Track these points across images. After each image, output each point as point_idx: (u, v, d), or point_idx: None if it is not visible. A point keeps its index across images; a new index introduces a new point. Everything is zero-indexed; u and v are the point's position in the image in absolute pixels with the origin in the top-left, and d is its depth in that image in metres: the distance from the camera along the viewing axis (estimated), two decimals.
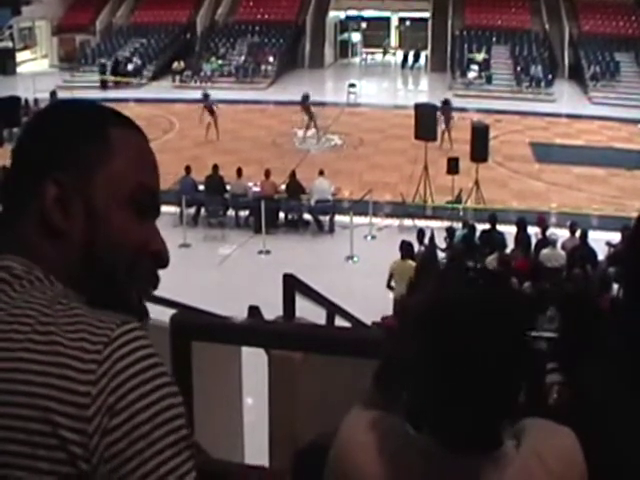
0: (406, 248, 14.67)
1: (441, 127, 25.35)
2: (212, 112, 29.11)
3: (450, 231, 16.55)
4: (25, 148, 1.35)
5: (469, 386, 1.50)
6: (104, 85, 39.25)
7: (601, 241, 16.40)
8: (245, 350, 3.57)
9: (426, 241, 15.72)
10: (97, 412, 1.13)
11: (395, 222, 20.08)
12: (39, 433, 1.12)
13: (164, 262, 1.39)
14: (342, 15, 47.61)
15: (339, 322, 6.30)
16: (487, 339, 1.50)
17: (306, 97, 29.61)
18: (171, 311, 3.70)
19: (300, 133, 29.81)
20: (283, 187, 20.55)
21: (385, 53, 49.86)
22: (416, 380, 1.60)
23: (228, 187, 20.42)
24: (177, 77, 40.43)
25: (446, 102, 27.64)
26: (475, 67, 39.25)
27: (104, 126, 1.35)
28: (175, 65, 40.55)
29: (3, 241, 1.30)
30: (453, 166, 21.49)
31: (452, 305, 1.54)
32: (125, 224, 1.32)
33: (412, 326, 1.60)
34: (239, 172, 20.54)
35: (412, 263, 14.22)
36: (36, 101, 32.12)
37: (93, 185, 1.30)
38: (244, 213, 20.32)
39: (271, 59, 41.56)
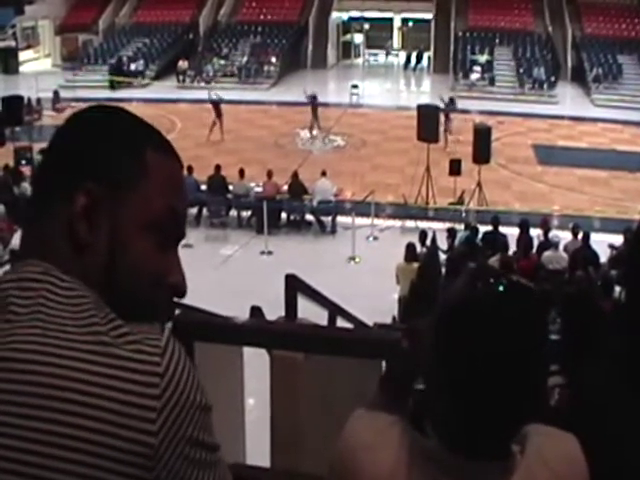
0: (411, 251, 14.68)
1: (442, 128, 25.32)
2: (220, 113, 29.13)
3: (452, 233, 16.54)
4: (61, 149, 1.33)
5: (485, 390, 1.48)
6: (113, 85, 39.23)
7: (603, 243, 16.39)
8: (247, 350, 3.57)
9: (428, 242, 15.71)
10: (163, 425, 1.17)
11: (397, 223, 20.08)
12: (104, 445, 1.14)
13: (181, 293, 1.39)
14: (345, 16, 47.59)
15: (341, 323, 6.31)
16: (506, 341, 1.48)
17: (314, 97, 29.65)
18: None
19: (302, 134, 29.83)
20: (285, 187, 20.57)
21: (388, 54, 49.84)
22: (431, 384, 1.59)
23: (230, 187, 20.43)
24: (181, 77, 40.42)
25: (452, 101, 27.66)
26: (478, 68, 39.22)
27: (143, 146, 1.34)
28: (180, 64, 40.54)
29: (30, 244, 1.31)
30: (455, 167, 21.50)
31: (474, 305, 1.53)
32: (147, 250, 1.31)
33: (435, 327, 1.58)
34: (241, 172, 20.55)
35: (416, 265, 14.24)
36: (39, 100, 32.20)
37: (122, 203, 1.29)
38: (246, 213, 20.34)
39: (274, 60, 41.55)
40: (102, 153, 1.30)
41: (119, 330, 1.21)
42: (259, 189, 20.44)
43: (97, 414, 1.14)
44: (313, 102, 29.50)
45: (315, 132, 29.53)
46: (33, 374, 1.15)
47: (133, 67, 40.85)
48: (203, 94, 31.89)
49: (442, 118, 25.12)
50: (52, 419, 1.13)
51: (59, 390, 1.14)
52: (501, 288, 1.54)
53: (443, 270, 14.27)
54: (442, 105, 26.75)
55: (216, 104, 29.23)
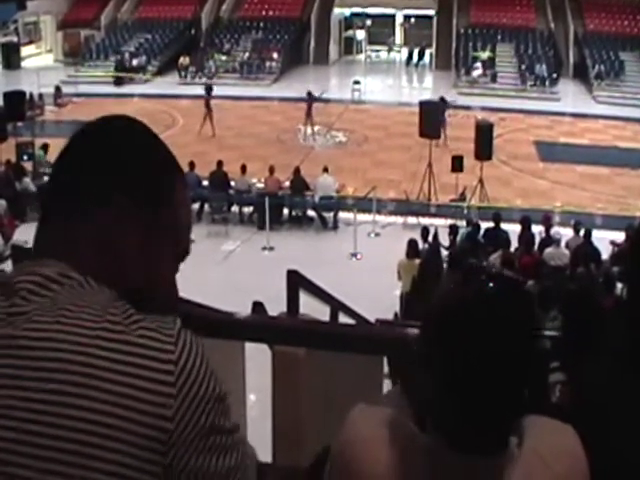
0: (413, 247, 14.69)
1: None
2: (208, 107, 29.12)
3: (454, 229, 16.54)
4: (99, 155, 1.39)
5: (481, 387, 1.50)
6: (119, 82, 39.23)
7: (605, 240, 16.39)
8: (248, 346, 3.57)
9: (430, 239, 15.71)
10: (178, 411, 1.22)
11: (399, 219, 20.07)
12: (121, 430, 1.18)
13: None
14: (347, 12, 47.51)
15: (342, 318, 6.31)
16: (499, 339, 1.49)
17: (309, 94, 29.69)
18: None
19: (304, 129, 29.82)
20: (287, 183, 20.57)
21: (390, 50, 49.80)
22: (427, 380, 1.59)
23: (232, 183, 20.42)
24: (183, 73, 40.40)
25: (442, 100, 27.63)
26: (480, 65, 39.18)
27: (175, 169, 1.45)
28: (181, 60, 40.52)
29: (48, 242, 1.36)
30: (457, 164, 21.49)
31: (466, 304, 1.54)
32: (167, 268, 1.42)
33: (427, 326, 1.59)
34: (243, 168, 20.55)
35: (418, 262, 14.25)
36: (40, 96, 32.18)
37: (153, 219, 1.38)
38: (248, 209, 20.34)
39: (276, 55, 41.52)
40: (141, 169, 1.39)
41: (133, 318, 1.26)
42: (261, 185, 20.45)
43: (113, 399, 1.18)
44: (310, 100, 29.49)
45: (309, 129, 29.54)
46: (50, 361, 1.19)
47: (135, 63, 40.82)
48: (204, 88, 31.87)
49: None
50: (68, 403, 1.17)
51: (75, 375, 1.18)
52: (490, 285, 1.57)
53: (445, 267, 14.27)
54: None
55: (206, 99, 29.23)
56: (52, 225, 1.37)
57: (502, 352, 1.49)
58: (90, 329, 1.21)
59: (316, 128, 29.70)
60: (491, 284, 1.57)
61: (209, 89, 29.93)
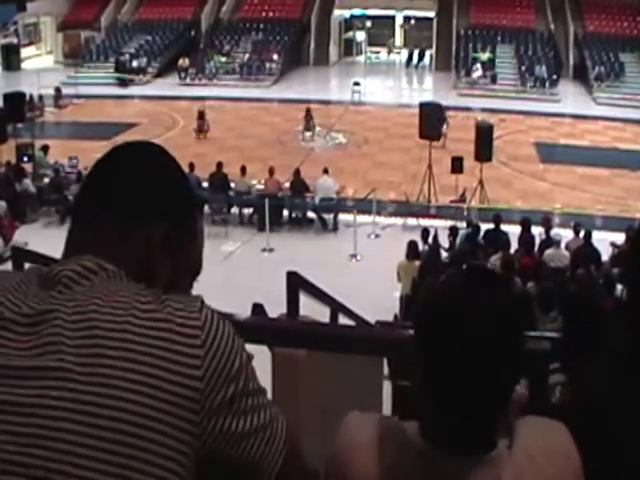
0: (413, 248, 14.68)
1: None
2: (202, 116, 29.15)
3: (454, 230, 16.54)
4: (149, 184, 1.54)
5: (463, 384, 1.50)
6: (123, 83, 39.25)
7: (605, 241, 16.38)
8: (248, 347, 3.56)
9: (430, 240, 15.71)
10: (207, 371, 1.36)
11: (399, 221, 20.07)
12: (156, 387, 1.31)
13: None
14: (347, 13, 47.53)
15: (342, 320, 6.30)
16: (482, 335, 1.49)
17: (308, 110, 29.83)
18: None
19: (304, 132, 29.85)
20: (287, 185, 20.57)
21: (390, 52, 49.83)
22: (418, 383, 1.60)
23: (232, 184, 20.43)
24: (183, 74, 40.42)
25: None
26: (480, 66, 39.20)
27: (197, 205, 1.68)
28: (180, 62, 40.54)
29: (84, 245, 1.49)
30: (457, 165, 21.49)
31: (445, 299, 1.55)
32: (186, 284, 1.61)
33: (413, 322, 1.61)
34: (243, 170, 20.56)
35: (418, 263, 14.25)
36: (40, 97, 32.18)
37: (181, 249, 1.56)
38: (248, 211, 20.34)
39: (275, 57, 41.54)
40: (178, 197, 1.58)
41: (162, 298, 1.40)
42: (261, 186, 20.45)
43: (148, 360, 1.32)
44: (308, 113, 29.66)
45: (309, 133, 29.59)
46: (89, 330, 1.34)
47: (135, 64, 40.83)
48: (205, 91, 31.90)
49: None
50: (113, 365, 1.31)
51: (117, 341, 1.32)
52: (461, 274, 1.60)
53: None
54: None
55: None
56: (88, 233, 1.50)
57: (480, 348, 1.49)
58: (124, 308, 1.36)
59: (317, 129, 29.69)
60: (475, 278, 1.59)
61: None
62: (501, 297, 1.57)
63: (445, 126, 26.22)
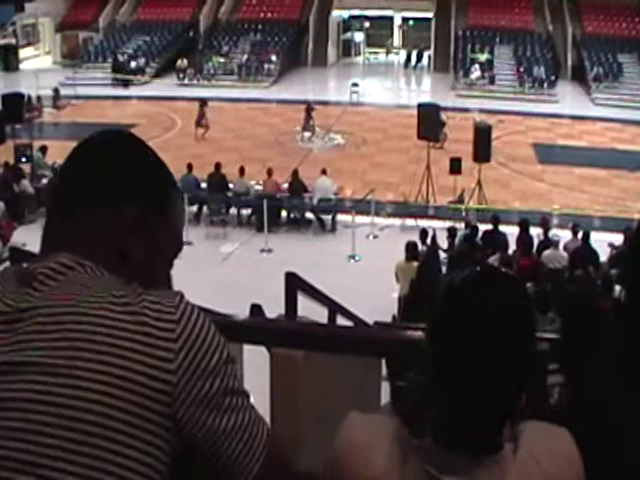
0: (411, 249, 14.68)
1: None
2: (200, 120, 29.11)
3: (452, 231, 16.53)
4: (117, 166, 1.54)
5: (472, 385, 1.50)
6: (125, 83, 39.25)
7: (603, 242, 16.37)
8: (246, 348, 3.57)
9: (428, 241, 15.70)
10: (180, 365, 1.36)
11: (397, 222, 20.06)
12: (130, 380, 1.33)
13: None
14: (345, 14, 47.55)
15: (341, 321, 6.31)
16: (496, 332, 1.49)
17: (308, 104, 29.74)
18: None
19: (303, 132, 29.83)
20: (285, 186, 20.57)
21: (388, 52, 49.83)
22: (422, 381, 1.60)
23: (230, 185, 20.42)
24: (181, 75, 40.41)
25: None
26: (478, 67, 39.21)
27: (173, 186, 1.64)
28: (179, 63, 40.54)
29: (58, 239, 1.50)
30: (455, 166, 21.50)
31: (462, 294, 1.55)
32: (164, 275, 1.60)
33: (428, 320, 1.61)
34: (241, 170, 20.55)
35: (416, 264, 14.24)
36: (39, 98, 32.15)
37: (156, 232, 1.54)
38: (246, 211, 20.33)
39: (274, 58, 41.52)
40: (150, 179, 1.57)
41: (139, 293, 1.41)
42: (259, 187, 20.44)
43: (122, 353, 1.33)
44: (308, 109, 29.58)
45: (307, 133, 29.57)
46: (68, 323, 1.36)
47: (133, 65, 40.82)
48: (203, 92, 31.88)
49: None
50: (88, 358, 1.33)
51: (91, 334, 1.34)
52: (476, 274, 1.59)
53: (443, 269, 14.27)
54: None
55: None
56: (65, 224, 1.51)
57: (497, 344, 1.50)
58: (99, 302, 1.37)
59: (317, 130, 29.67)
60: (476, 272, 1.60)
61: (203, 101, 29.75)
62: (516, 298, 1.57)
63: (445, 130, 26.26)
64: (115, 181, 1.52)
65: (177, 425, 1.36)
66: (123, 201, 1.50)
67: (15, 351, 1.35)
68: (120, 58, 41.02)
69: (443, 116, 25.68)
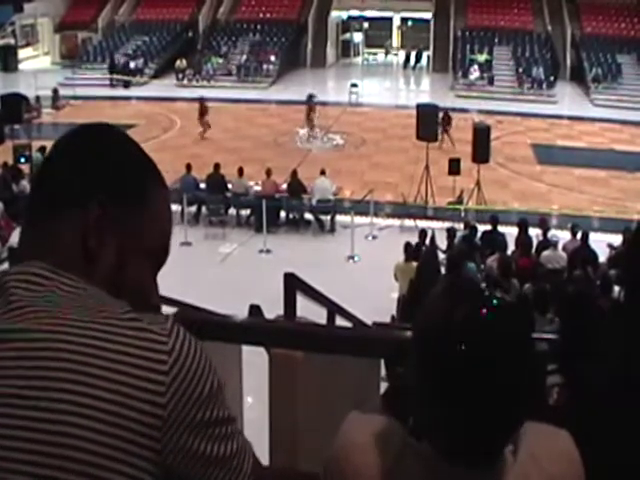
0: (410, 250, 14.70)
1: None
2: (202, 114, 29.07)
3: (451, 232, 16.54)
4: (77, 159, 1.44)
5: (464, 395, 1.46)
6: (127, 84, 39.25)
7: (602, 243, 16.38)
8: (245, 349, 3.57)
9: (427, 241, 15.71)
10: (171, 399, 1.29)
11: (396, 222, 20.07)
12: (117, 415, 1.25)
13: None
14: (344, 15, 47.58)
15: (340, 321, 6.30)
16: (486, 345, 1.47)
17: (310, 96, 29.66)
18: (172, 309, 3.70)
19: (302, 132, 29.80)
20: (284, 186, 20.57)
21: (387, 53, 49.86)
22: (421, 394, 1.57)
23: (229, 186, 20.43)
24: (180, 75, 40.42)
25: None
26: (477, 68, 39.22)
27: (147, 174, 1.50)
28: (178, 63, 40.55)
29: (32, 245, 1.42)
30: (454, 167, 21.51)
31: (462, 332, 1.48)
32: (144, 274, 1.47)
33: (415, 338, 1.57)
34: (240, 171, 20.55)
35: (415, 265, 14.25)
36: (38, 98, 32.14)
37: (128, 224, 1.43)
38: (245, 212, 20.34)
39: (273, 58, 41.54)
40: (117, 174, 1.44)
41: (129, 315, 1.32)
42: (258, 187, 20.44)
43: (112, 387, 1.25)
44: (310, 102, 29.49)
45: (307, 131, 29.54)
46: (46, 350, 1.26)
47: (132, 65, 40.83)
48: (202, 93, 31.85)
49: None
50: (65, 389, 1.24)
51: (75, 364, 1.25)
52: (486, 312, 1.50)
53: (442, 269, 14.27)
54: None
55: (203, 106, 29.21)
56: (35, 228, 1.42)
57: (496, 373, 1.46)
58: (84, 328, 1.28)
59: (316, 131, 29.65)
60: (486, 309, 1.50)
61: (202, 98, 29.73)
62: (518, 329, 1.52)
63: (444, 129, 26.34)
64: (80, 178, 1.41)
65: (165, 458, 1.29)
66: (87, 198, 1.39)
67: None
68: (117, 59, 40.98)
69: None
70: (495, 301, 1.53)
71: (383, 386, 3.73)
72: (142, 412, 1.26)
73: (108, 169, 1.43)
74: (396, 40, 50.49)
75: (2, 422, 1.24)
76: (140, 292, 1.45)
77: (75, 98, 35.12)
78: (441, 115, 24.98)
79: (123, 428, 1.25)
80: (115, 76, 39.61)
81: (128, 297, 1.39)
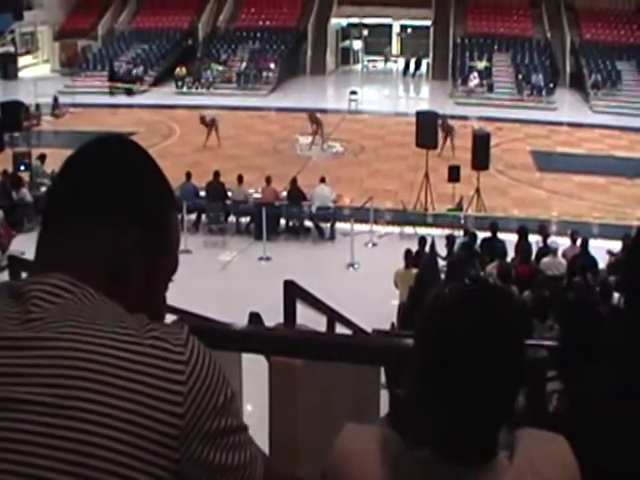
0: (410, 257, 14.71)
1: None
2: (206, 125, 29.12)
3: (451, 239, 16.54)
4: (114, 180, 1.45)
5: (465, 393, 1.50)
6: (130, 91, 39.29)
7: (602, 249, 16.38)
8: (245, 356, 3.57)
9: (427, 249, 15.71)
10: (189, 409, 1.30)
11: (396, 229, 20.07)
12: (135, 424, 1.26)
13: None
14: (344, 22, 47.62)
15: (339, 329, 6.30)
16: (485, 343, 1.49)
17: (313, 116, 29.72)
18: (172, 317, 3.70)
19: (302, 140, 29.81)
20: (284, 194, 20.57)
21: (386, 60, 49.88)
22: (417, 392, 1.59)
23: (229, 193, 20.43)
24: (180, 83, 40.45)
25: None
26: (476, 75, 39.25)
27: (169, 209, 1.54)
28: (177, 71, 40.58)
29: (53, 258, 1.42)
30: (454, 174, 21.52)
31: (449, 307, 1.54)
32: (161, 295, 1.54)
33: (414, 331, 1.60)
34: (240, 178, 20.56)
35: (415, 272, 14.25)
36: (37, 106, 32.16)
37: (155, 252, 1.47)
38: (245, 219, 20.33)
39: (272, 65, 41.58)
40: (154, 199, 1.49)
41: (146, 327, 1.34)
42: (258, 195, 20.44)
43: (131, 396, 1.26)
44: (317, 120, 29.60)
45: (315, 139, 29.53)
46: (66, 359, 1.27)
47: (133, 73, 40.84)
48: (202, 100, 31.90)
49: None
50: (88, 399, 1.25)
51: (94, 373, 1.26)
52: (470, 288, 1.58)
53: (442, 276, 14.27)
54: None
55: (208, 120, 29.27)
56: (58, 239, 1.43)
57: (486, 356, 1.49)
58: (103, 338, 1.30)
59: (316, 137, 29.66)
60: (472, 287, 1.58)
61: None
62: (503, 311, 1.56)
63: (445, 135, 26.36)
64: (117, 198, 1.43)
65: (182, 467, 1.31)
66: (126, 221, 1.42)
67: (11, 385, 1.27)
68: (117, 67, 41.03)
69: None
70: (495, 301, 1.57)
71: (383, 393, 3.73)
72: (160, 422, 1.28)
73: (144, 190, 1.47)
74: (396, 47, 50.52)
75: (21, 427, 1.25)
76: (157, 309, 1.50)
77: (75, 106, 35.15)
78: (440, 123, 24.96)
79: (142, 437, 1.26)
80: (116, 84, 39.60)
81: (146, 313, 1.41)
